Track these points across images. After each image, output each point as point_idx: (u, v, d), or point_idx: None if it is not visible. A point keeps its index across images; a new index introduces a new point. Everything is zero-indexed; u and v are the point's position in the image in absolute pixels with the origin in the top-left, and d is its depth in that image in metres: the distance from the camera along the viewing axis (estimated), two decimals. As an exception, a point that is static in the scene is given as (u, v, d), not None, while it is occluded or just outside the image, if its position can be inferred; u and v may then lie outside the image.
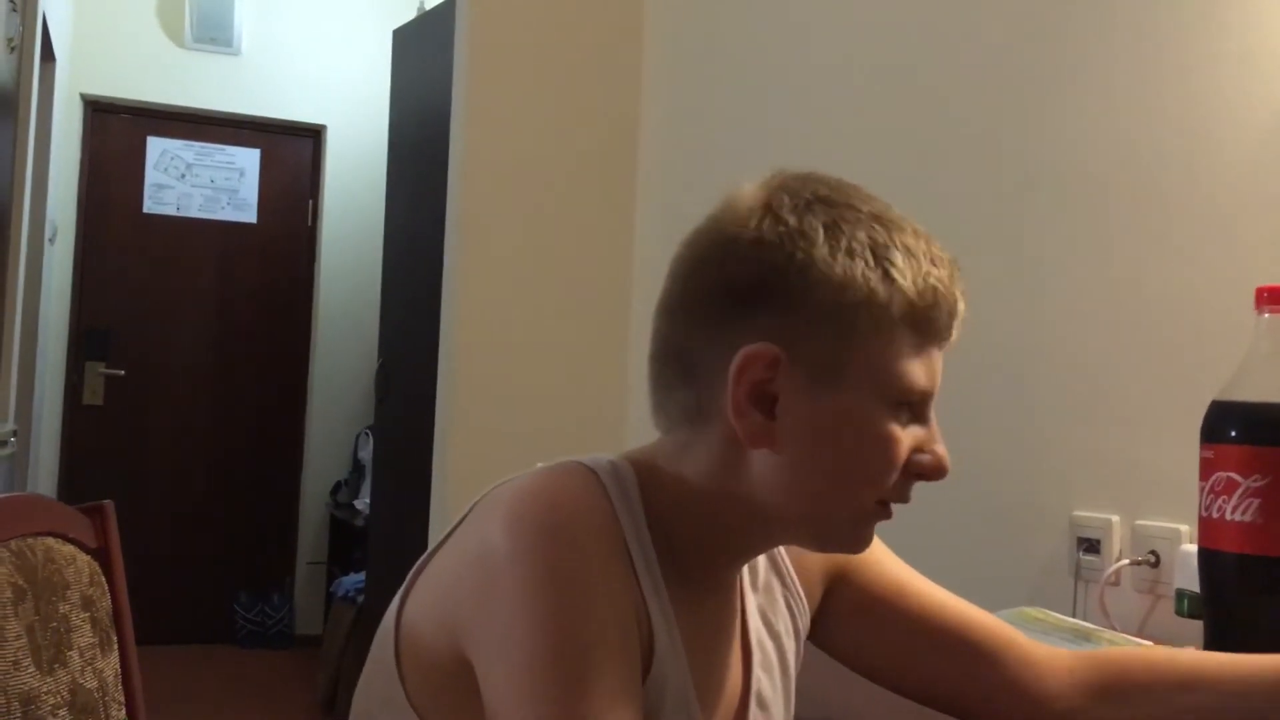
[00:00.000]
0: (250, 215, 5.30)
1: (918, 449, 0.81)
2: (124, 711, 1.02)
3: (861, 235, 0.78)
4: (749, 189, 0.83)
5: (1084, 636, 1.27)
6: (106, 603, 1.03)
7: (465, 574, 0.76)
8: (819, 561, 0.95)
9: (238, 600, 5.11)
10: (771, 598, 0.92)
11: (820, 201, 0.80)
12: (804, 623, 0.94)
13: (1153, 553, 1.41)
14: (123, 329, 5.09)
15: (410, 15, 4.40)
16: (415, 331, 3.56)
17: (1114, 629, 1.36)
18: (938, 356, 0.81)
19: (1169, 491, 1.41)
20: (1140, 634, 1.38)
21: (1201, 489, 0.93)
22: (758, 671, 0.89)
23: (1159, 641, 1.24)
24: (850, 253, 0.78)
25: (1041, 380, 1.63)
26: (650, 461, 0.84)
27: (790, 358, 0.77)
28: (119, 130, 5.13)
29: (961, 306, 0.81)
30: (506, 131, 2.85)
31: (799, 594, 0.94)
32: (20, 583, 0.90)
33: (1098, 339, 1.55)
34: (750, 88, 2.46)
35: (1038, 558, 1.61)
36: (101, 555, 1.05)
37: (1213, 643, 0.94)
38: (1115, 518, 1.48)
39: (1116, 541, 1.48)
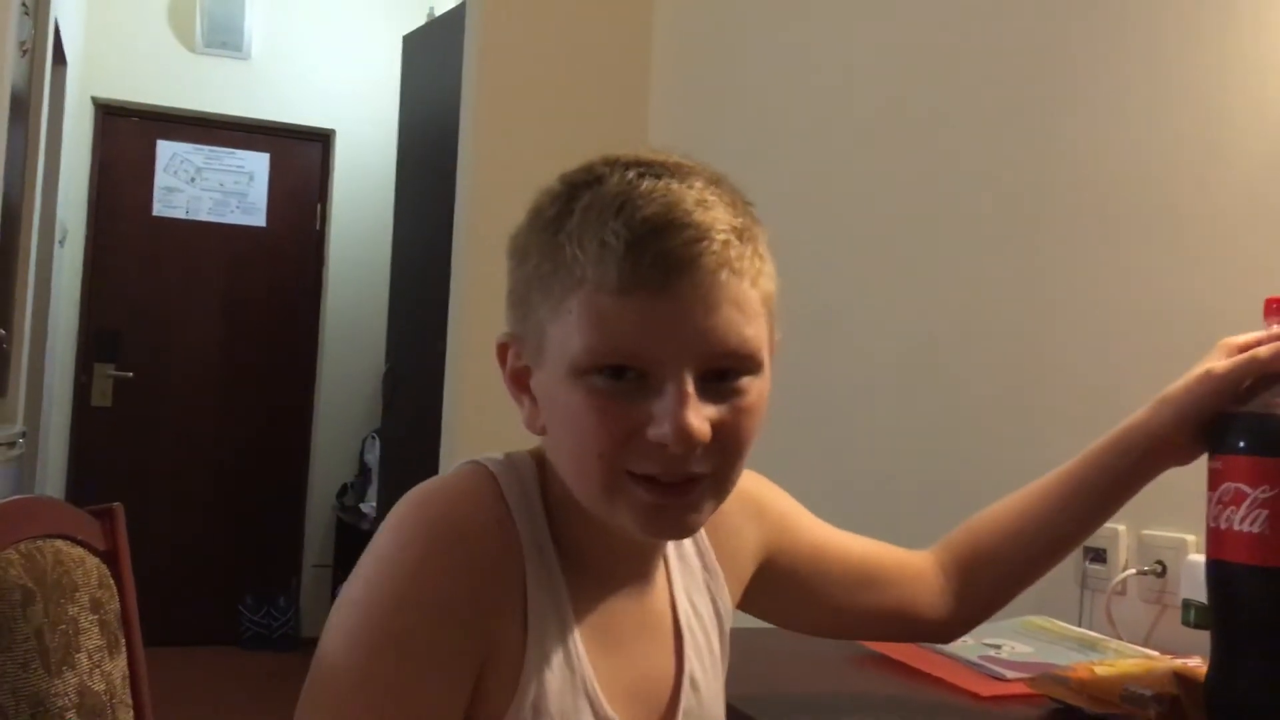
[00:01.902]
0: (259, 219, 5.31)
1: (649, 420, 0.73)
2: (132, 714, 1.02)
3: (550, 210, 0.78)
4: None
5: (1090, 646, 1.27)
6: (115, 605, 1.04)
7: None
8: (749, 543, 0.96)
9: (244, 603, 5.11)
10: (696, 582, 0.92)
11: (545, 192, 0.80)
12: (724, 605, 0.93)
13: (1159, 562, 1.41)
14: (132, 331, 5.10)
15: (420, 21, 4.42)
16: (423, 336, 3.57)
17: (1120, 639, 1.36)
18: (656, 312, 0.73)
19: (1175, 501, 1.40)
20: (1146, 643, 1.38)
21: (1209, 499, 0.93)
22: (689, 654, 0.89)
23: (1165, 652, 1.24)
24: (535, 229, 0.79)
25: (1048, 389, 1.63)
26: (544, 455, 0.84)
27: (516, 340, 0.81)
28: (129, 133, 5.14)
29: (665, 242, 0.72)
30: (515, 137, 2.85)
31: (718, 576, 0.94)
32: (29, 585, 0.90)
33: (1105, 348, 1.55)
34: (758, 98, 2.46)
35: (1044, 567, 1.60)
36: (110, 558, 1.05)
37: (1220, 653, 0.94)
38: (1121, 527, 1.48)
39: (1123, 551, 1.48)
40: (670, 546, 0.90)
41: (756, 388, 0.77)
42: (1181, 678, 0.99)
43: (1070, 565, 1.55)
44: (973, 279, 1.81)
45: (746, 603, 0.99)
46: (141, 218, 5.15)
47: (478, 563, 0.76)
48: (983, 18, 1.84)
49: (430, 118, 3.77)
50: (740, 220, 0.77)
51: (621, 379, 0.74)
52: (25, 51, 3.38)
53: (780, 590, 0.99)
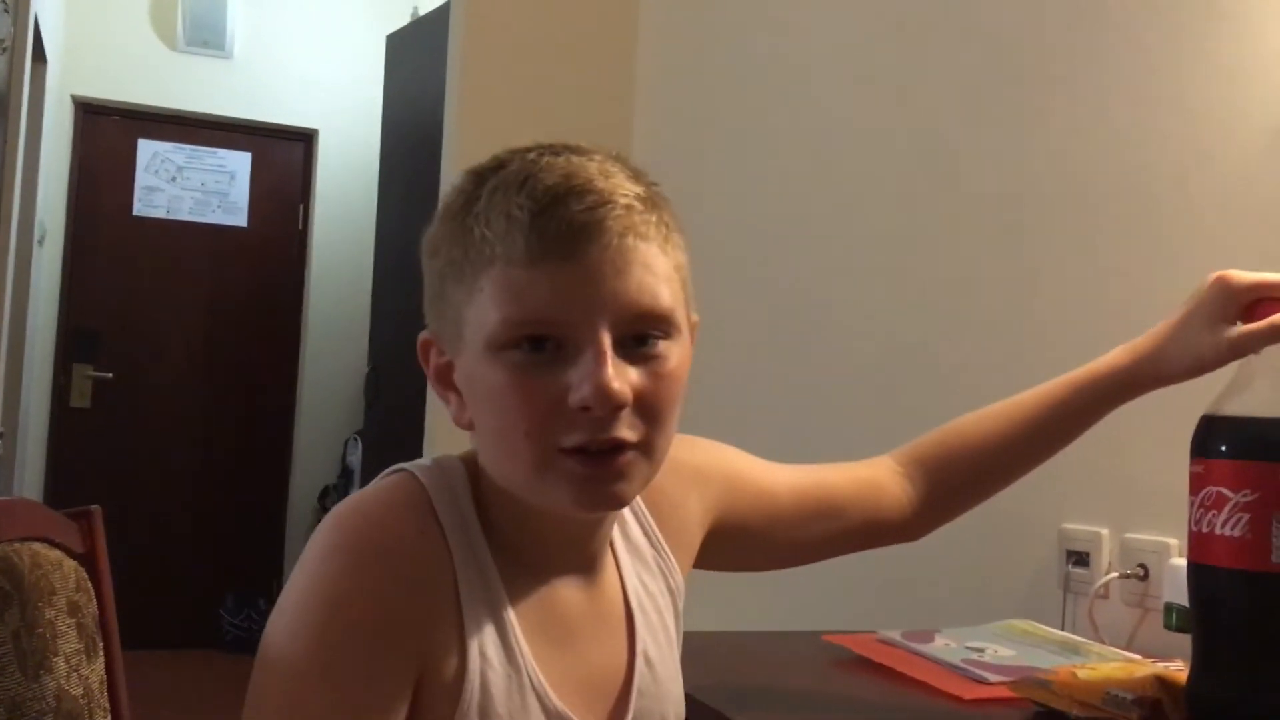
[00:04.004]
0: (241, 219, 5.28)
1: (570, 386, 0.74)
2: (109, 718, 1.01)
3: (456, 201, 0.80)
4: None
5: (1073, 650, 1.28)
6: (93, 609, 1.03)
7: None
8: (694, 513, 0.97)
9: (224, 605, 5.08)
10: (644, 561, 0.92)
11: (453, 188, 0.82)
12: (676, 582, 0.94)
13: (1141, 566, 1.41)
14: (111, 332, 5.07)
15: (404, 20, 4.40)
16: (405, 337, 3.55)
17: (1103, 642, 1.36)
18: (568, 278, 0.74)
19: (1158, 505, 1.41)
20: (1129, 647, 1.38)
21: (1191, 503, 0.93)
22: (642, 633, 0.89)
23: (1148, 655, 1.24)
24: (443, 220, 0.80)
25: (1032, 385, 1.63)
26: (474, 456, 0.84)
27: (434, 333, 0.82)
28: (110, 132, 5.11)
29: (569, 208, 0.74)
30: (499, 138, 2.81)
31: (667, 554, 0.94)
32: (6, 588, 0.89)
33: (1087, 351, 1.55)
34: (744, 98, 2.46)
35: (1026, 570, 1.61)
36: (88, 561, 1.04)
37: (1202, 656, 0.94)
38: (1104, 531, 1.49)
39: (1105, 555, 1.48)
40: (616, 532, 0.90)
41: (675, 353, 0.78)
42: (1163, 681, 1.00)
43: (1053, 568, 1.56)
44: (957, 278, 1.82)
45: (705, 562, 1.00)
46: (122, 217, 5.11)
47: (402, 577, 0.76)
48: (966, 17, 1.84)
49: (414, 118, 3.76)
50: (643, 189, 0.78)
51: (540, 350, 0.75)
52: (4, 49, 3.35)
53: (736, 545, 1.02)
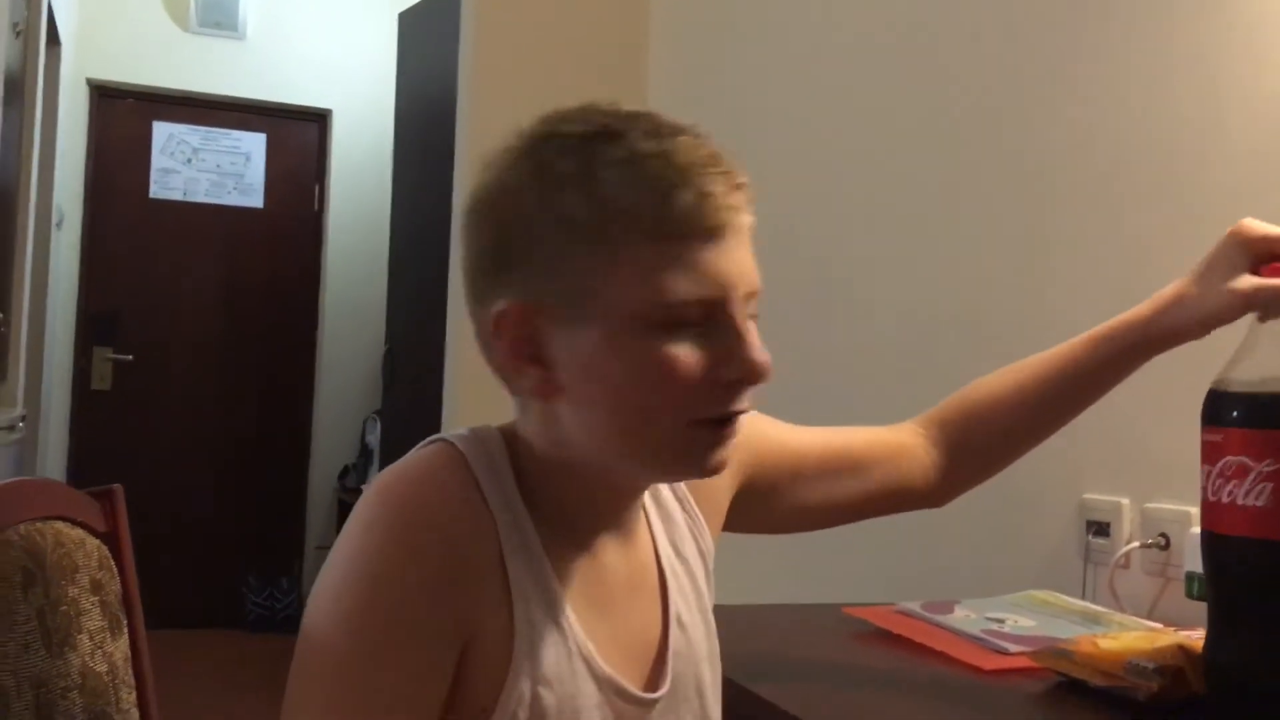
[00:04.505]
0: (257, 200, 5.29)
1: (717, 360, 0.76)
2: (134, 695, 1.02)
3: (569, 165, 0.77)
4: (498, 148, 0.83)
5: (1094, 619, 1.27)
6: (116, 586, 1.03)
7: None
8: (723, 478, 0.95)
9: (247, 584, 5.12)
10: (674, 525, 0.93)
11: (533, 139, 0.80)
12: (706, 544, 0.95)
13: (1163, 535, 1.40)
14: (130, 314, 5.09)
15: (416, -2, 4.38)
16: (422, 316, 3.56)
17: (1124, 612, 1.36)
18: (719, 254, 0.76)
19: (1179, 474, 1.40)
20: (1150, 616, 1.38)
21: (1206, 473, 0.91)
22: (674, 597, 0.90)
23: (1169, 624, 1.24)
24: (560, 187, 0.77)
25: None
26: (512, 428, 0.85)
27: (535, 305, 0.78)
28: (125, 115, 5.12)
29: (716, 187, 0.76)
30: (513, 114, 2.82)
31: (697, 518, 0.95)
32: (29, 566, 0.90)
33: (1109, 316, 1.54)
34: (757, 71, 2.45)
35: (1047, 541, 1.60)
36: (111, 539, 1.05)
37: (1219, 625, 0.93)
38: (1125, 500, 1.48)
39: (1126, 524, 1.47)
40: (648, 497, 0.91)
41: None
42: (1185, 650, 0.99)
43: (1073, 539, 1.55)
44: (973, 255, 1.81)
45: (733, 525, 1.01)
46: (138, 200, 5.13)
47: (449, 543, 0.76)
48: (983, -11, 1.82)
49: (427, 95, 3.75)
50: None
51: (688, 326, 0.76)
52: (19, 33, 3.35)
53: (763, 506, 1.02)
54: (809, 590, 1.95)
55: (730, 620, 1.31)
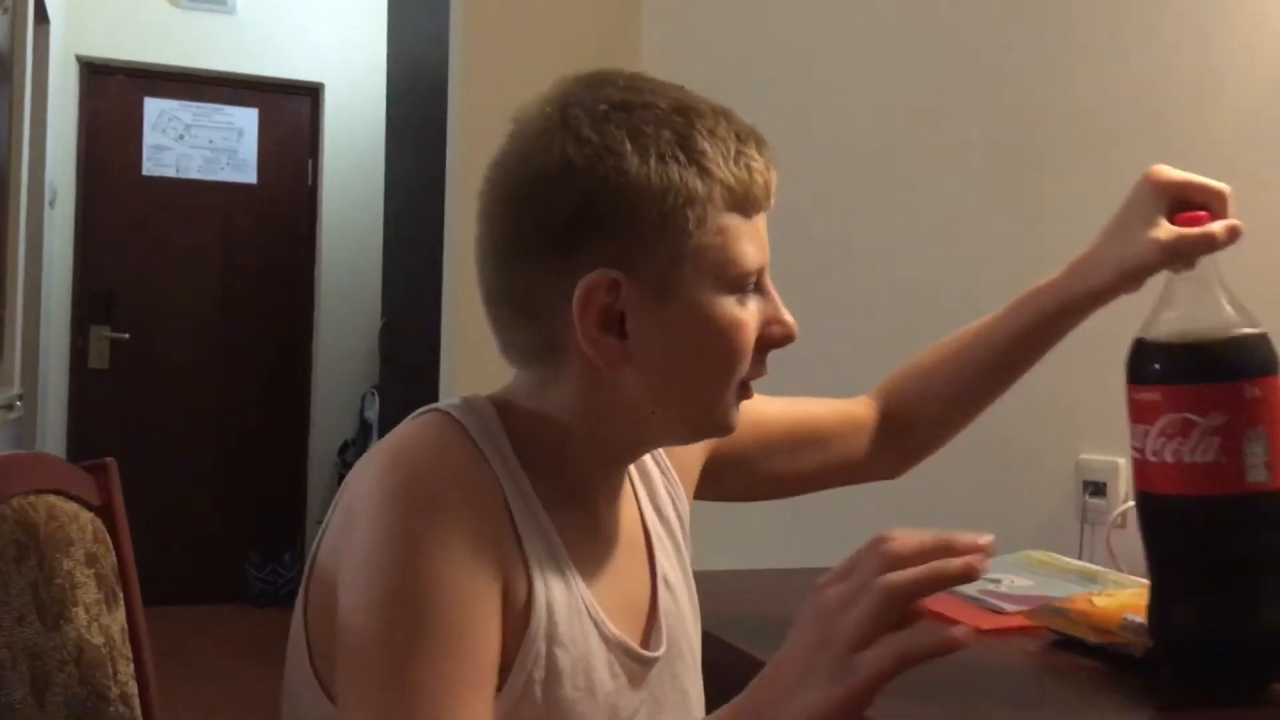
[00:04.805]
0: (250, 175, 5.27)
1: (765, 322, 0.83)
2: (131, 667, 1.02)
3: (666, 134, 0.78)
4: (539, 108, 0.82)
5: (1090, 578, 1.27)
6: (111, 559, 1.03)
7: (340, 526, 0.78)
8: (695, 445, 1.00)
9: (249, 560, 5.14)
10: (653, 487, 0.96)
11: (617, 108, 0.79)
12: (682, 504, 0.98)
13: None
14: (126, 292, 5.08)
15: (406, -31, 4.34)
16: (418, 290, 3.55)
17: (1120, 570, 1.36)
18: (762, 226, 0.83)
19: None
20: (1147, 575, 1.38)
21: (1142, 432, 0.88)
22: (659, 557, 0.92)
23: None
24: (661, 157, 0.78)
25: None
26: (507, 400, 0.85)
27: (628, 275, 0.78)
28: (116, 92, 5.09)
29: (774, 173, 0.83)
30: (505, 85, 2.81)
31: (675, 481, 0.98)
32: (23, 539, 0.90)
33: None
34: (752, 40, 2.43)
35: (1043, 501, 1.60)
36: (105, 513, 1.05)
37: (1166, 590, 0.90)
38: (1121, 460, 1.48)
39: (1122, 484, 1.47)
40: None
41: None
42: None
43: (1070, 499, 1.55)
44: (969, 215, 1.80)
45: (704, 493, 1.04)
46: (131, 177, 5.11)
47: (470, 503, 0.76)
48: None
49: (419, 67, 3.72)
50: None
51: (747, 291, 0.82)
52: (6, 10, 3.33)
53: (731, 474, 1.05)
54: (800, 554, 1.95)
55: (720, 585, 1.31)
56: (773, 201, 0.84)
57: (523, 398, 0.85)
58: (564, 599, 0.80)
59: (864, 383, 1.17)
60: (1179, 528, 0.89)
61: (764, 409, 1.05)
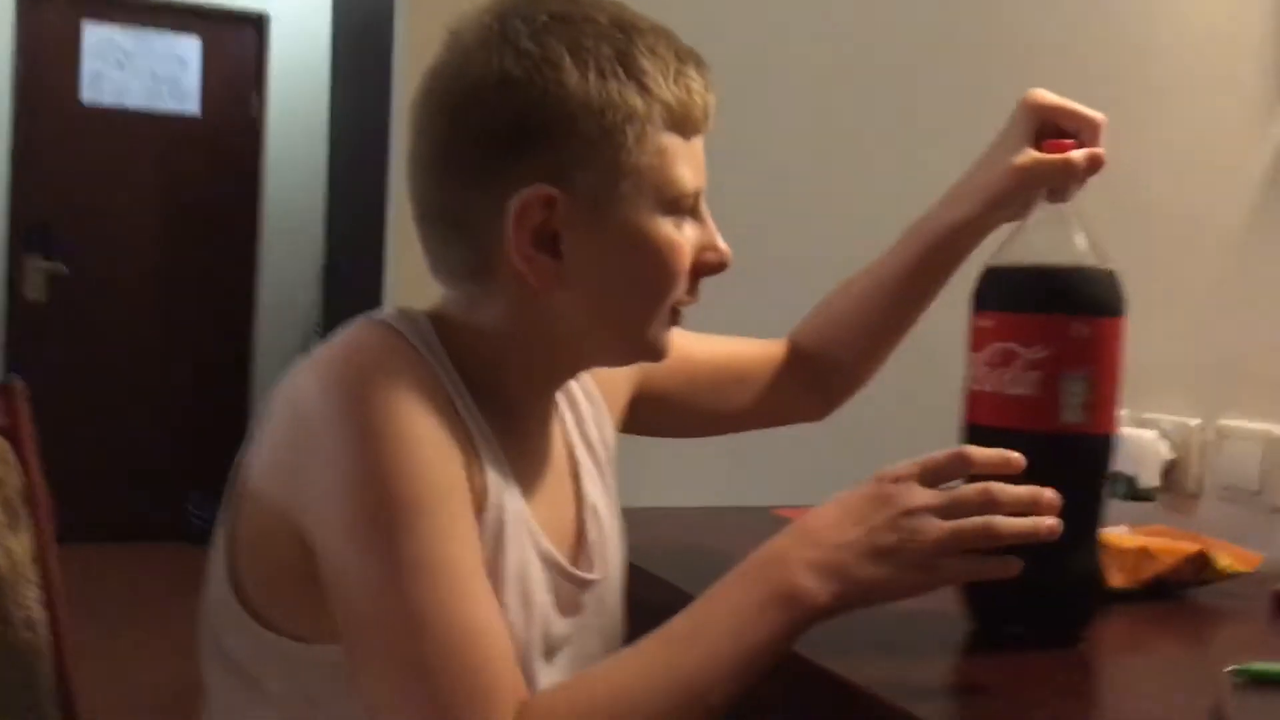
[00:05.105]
0: (193, 107, 5.14)
1: (700, 248, 0.82)
2: (38, 592, 0.99)
3: (606, 49, 0.77)
4: (477, 18, 0.80)
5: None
6: (15, 481, 1.00)
7: (284, 439, 0.75)
8: (622, 371, 0.99)
9: (190, 499, 5.07)
10: (580, 415, 0.95)
11: (556, 20, 0.77)
12: (608, 433, 0.97)
13: (1092, 437, 1.40)
14: (64, 225, 4.95)
15: (355, -104, 4.23)
16: (362, 229, 3.49)
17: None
18: (700, 150, 0.82)
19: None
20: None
21: (973, 361, 0.85)
22: (586, 485, 0.92)
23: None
24: (601, 72, 0.76)
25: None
26: (441, 313, 0.83)
27: (564, 192, 0.77)
28: (52, 15, 4.92)
29: (713, 96, 0.81)
30: (452, 19, 2.75)
31: (602, 408, 0.97)
32: (-84, 457, 0.86)
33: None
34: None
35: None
36: (11, 434, 1.01)
37: None
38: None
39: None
40: None
41: None
42: (1107, 546, 0.99)
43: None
44: (958, 155, 1.78)
45: (632, 426, 1.03)
46: (69, 105, 4.96)
47: (424, 393, 0.73)
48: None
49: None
50: None
51: (682, 214, 0.80)
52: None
53: (657, 408, 1.04)
54: (739, 492, 1.95)
55: (655, 521, 1.30)
56: (710, 125, 0.82)
57: (454, 312, 0.83)
58: (511, 506, 0.80)
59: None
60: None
61: (691, 345, 1.04)
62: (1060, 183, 0.89)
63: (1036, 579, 0.77)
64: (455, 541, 0.70)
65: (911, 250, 1.03)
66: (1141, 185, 1.38)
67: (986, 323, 0.84)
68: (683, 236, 0.80)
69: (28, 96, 4.89)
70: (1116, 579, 0.98)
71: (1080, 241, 0.85)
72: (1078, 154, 0.90)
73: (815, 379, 1.11)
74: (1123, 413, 1.35)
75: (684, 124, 0.79)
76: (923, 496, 0.72)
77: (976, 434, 0.84)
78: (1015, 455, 0.75)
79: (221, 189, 5.19)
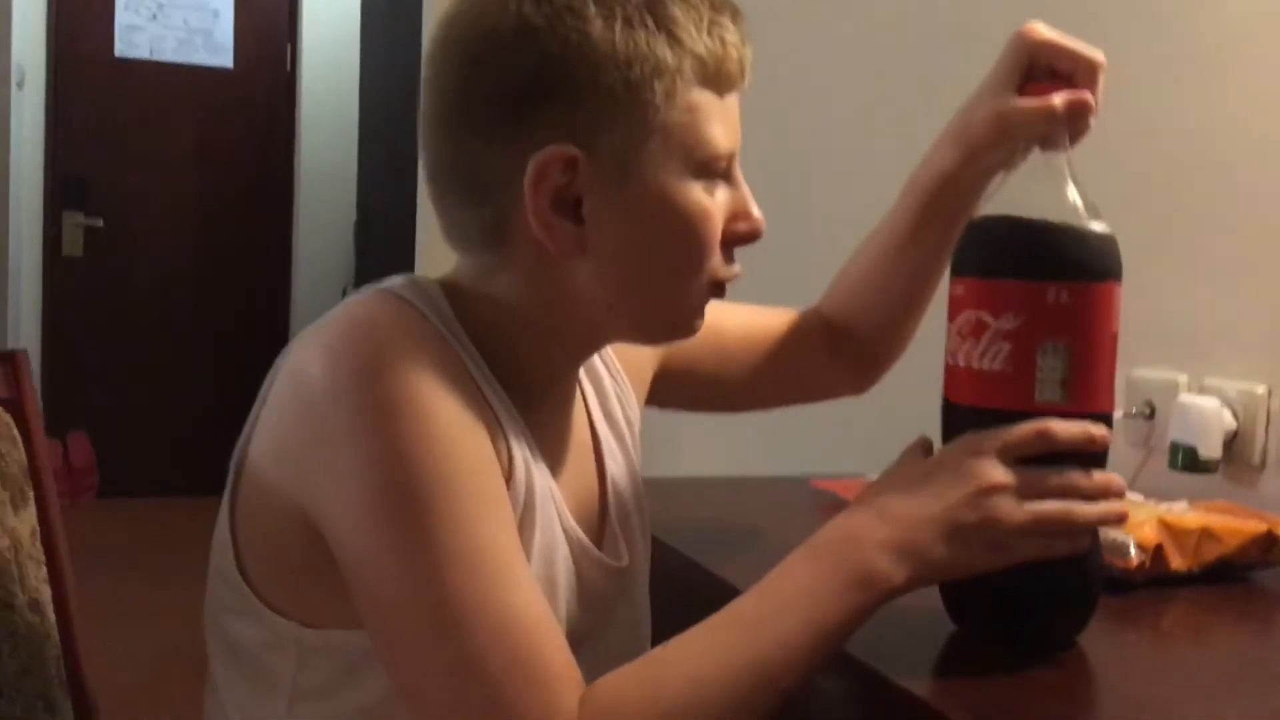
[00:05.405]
0: (227, 60, 5.10)
1: (731, 216, 0.76)
2: (44, 570, 0.95)
3: (636, 0, 0.70)
4: None
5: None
6: (19, 456, 0.96)
7: (290, 420, 0.70)
8: (647, 349, 0.94)
9: (227, 453, 5.08)
10: (603, 390, 0.90)
11: None
12: (631, 409, 0.92)
13: (1148, 403, 1.33)
14: (100, 178, 4.94)
15: None
16: (394, 183, 3.45)
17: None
18: (735, 109, 0.76)
19: (1167, 338, 1.33)
20: (1132, 487, 1.31)
21: (949, 331, 0.76)
22: (608, 463, 0.87)
23: (1151, 496, 1.18)
24: (628, 21, 0.70)
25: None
26: (455, 283, 0.77)
27: (587, 153, 0.70)
28: (85, -31, 4.89)
29: (749, 50, 0.75)
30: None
31: (625, 385, 0.92)
32: (-91, 435, 0.82)
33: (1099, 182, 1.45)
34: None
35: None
36: (14, 406, 0.97)
37: None
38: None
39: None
40: None
41: None
42: (1167, 525, 0.93)
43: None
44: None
45: (658, 400, 0.98)
46: (104, 58, 4.93)
47: (440, 366, 0.67)
48: None
49: (396, -54, 3.56)
50: None
51: (714, 179, 0.74)
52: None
53: (685, 382, 0.99)
54: (778, 461, 1.89)
55: (689, 491, 1.26)
56: (748, 80, 0.76)
57: (468, 281, 0.77)
58: (539, 480, 0.75)
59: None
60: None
61: (720, 315, 0.96)
62: (1041, 133, 0.78)
63: (1020, 584, 0.71)
64: (491, 524, 0.65)
65: (909, 206, 0.95)
66: (1204, 135, 1.30)
67: (958, 288, 0.75)
68: (714, 202, 0.74)
69: (62, 52, 4.87)
70: (1176, 561, 0.92)
71: (1070, 195, 0.75)
72: (1059, 100, 0.79)
73: (848, 349, 1.04)
74: (1182, 378, 1.30)
75: (717, 79, 0.73)
76: (1002, 474, 0.68)
77: (951, 411, 0.77)
78: (1100, 430, 0.71)
79: (256, 142, 5.16)
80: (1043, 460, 0.70)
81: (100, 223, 4.94)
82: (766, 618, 0.66)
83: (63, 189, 4.90)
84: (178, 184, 5.08)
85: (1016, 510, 0.67)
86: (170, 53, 5.01)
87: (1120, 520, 0.72)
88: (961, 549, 0.68)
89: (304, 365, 0.69)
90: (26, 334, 4.72)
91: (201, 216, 5.13)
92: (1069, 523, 0.69)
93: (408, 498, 0.63)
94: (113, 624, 2.83)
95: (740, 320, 1.01)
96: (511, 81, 0.70)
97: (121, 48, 4.96)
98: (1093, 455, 0.74)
